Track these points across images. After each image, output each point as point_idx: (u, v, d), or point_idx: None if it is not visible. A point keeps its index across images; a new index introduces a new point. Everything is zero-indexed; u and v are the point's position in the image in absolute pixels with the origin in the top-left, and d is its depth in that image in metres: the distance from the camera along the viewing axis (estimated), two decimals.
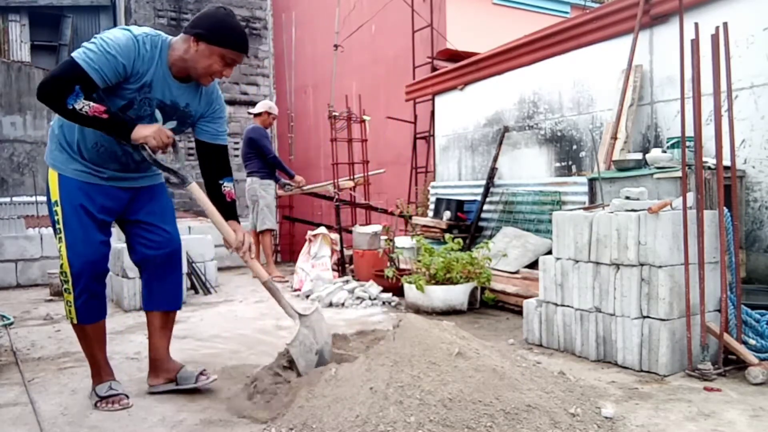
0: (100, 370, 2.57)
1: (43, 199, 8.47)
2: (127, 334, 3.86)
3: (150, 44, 2.31)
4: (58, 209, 2.41)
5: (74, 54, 2.21)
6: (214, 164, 2.59)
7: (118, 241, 5.14)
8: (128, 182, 2.55)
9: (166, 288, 2.65)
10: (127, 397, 2.51)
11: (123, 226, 2.64)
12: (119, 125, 2.27)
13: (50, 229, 6.47)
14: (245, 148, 6.33)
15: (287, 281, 6.10)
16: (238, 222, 2.61)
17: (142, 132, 2.29)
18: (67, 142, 2.43)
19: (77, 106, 2.18)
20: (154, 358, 2.68)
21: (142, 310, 4.60)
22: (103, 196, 2.48)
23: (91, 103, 2.20)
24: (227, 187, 2.60)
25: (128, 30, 2.29)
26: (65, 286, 2.42)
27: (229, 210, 2.58)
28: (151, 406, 2.51)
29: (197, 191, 2.48)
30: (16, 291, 5.86)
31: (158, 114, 2.42)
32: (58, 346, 3.58)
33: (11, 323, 4.21)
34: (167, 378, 2.65)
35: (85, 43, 2.24)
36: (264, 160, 6.25)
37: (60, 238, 2.40)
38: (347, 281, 5.19)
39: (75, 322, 2.47)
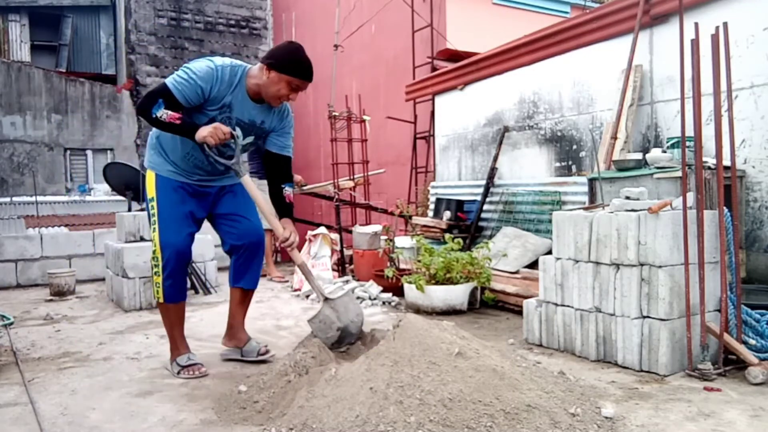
0: (179, 345, 3.00)
1: (42, 198, 8.49)
2: (127, 334, 3.86)
3: (229, 73, 2.71)
4: (154, 204, 2.86)
5: (167, 79, 2.69)
6: (277, 171, 2.96)
7: (117, 241, 5.15)
8: (213, 182, 3.00)
9: (247, 271, 3.10)
10: (203, 366, 2.91)
11: (213, 220, 3.11)
12: (187, 128, 2.67)
13: (50, 230, 6.53)
14: None
15: (287, 281, 6.10)
16: (293, 220, 2.96)
17: (202, 133, 2.65)
18: (163, 149, 2.89)
19: (158, 114, 2.63)
20: (230, 324, 3.20)
21: (142, 310, 4.64)
22: (193, 193, 2.93)
23: (169, 112, 2.64)
24: (287, 190, 2.97)
25: (211, 60, 2.72)
26: (155, 270, 2.85)
27: (285, 209, 2.95)
28: (151, 406, 2.51)
29: (249, 183, 2.83)
30: (16, 291, 5.85)
31: (239, 130, 2.79)
32: (58, 346, 3.58)
33: (11, 323, 4.21)
34: (236, 345, 3.17)
35: (176, 72, 2.71)
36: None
37: (154, 228, 2.84)
38: (347, 281, 5.19)
39: (161, 300, 2.91)
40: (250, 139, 2.85)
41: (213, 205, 3.04)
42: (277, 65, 2.67)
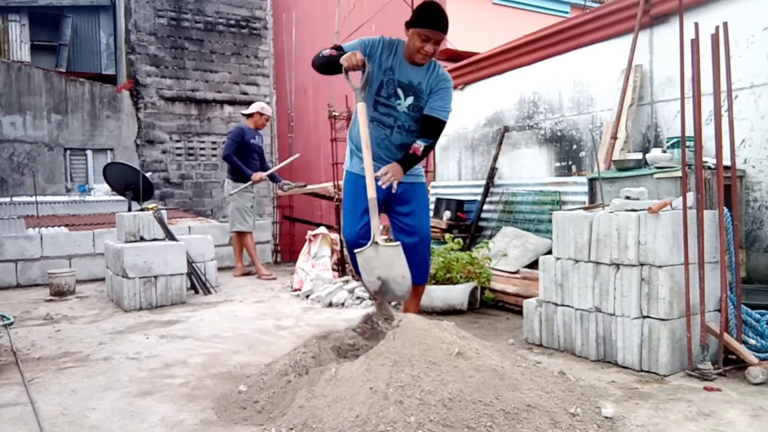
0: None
1: (42, 198, 8.48)
2: (127, 334, 3.86)
3: (389, 40, 3.14)
4: (342, 202, 3.43)
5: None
6: (421, 129, 3.18)
7: (117, 241, 5.14)
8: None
9: (417, 267, 3.20)
10: None
11: (389, 214, 3.38)
12: (338, 58, 2.97)
13: (50, 229, 6.53)
14: None
15: (275, 278, 6.15)
16: (401, 166, 3.06)
17: (341, 58, 2.96)
18: (354, 145, 3.26)
19: (324, 52, 3.06)
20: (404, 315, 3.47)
21: (142, 310, 4.64)
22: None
23: (330, 50, 3.06)
24: (417, 143, 3.14)
25: (383, 37, 3.17)
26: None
27: (405, 157, 3.14)
28: (151, 406, 2.51)
29: (361, 112, 3.01)
30: (16, 291, 5.85)
31: (400, 92, 3.13)
32: (58, 346, 3.58)
33: (11, 323, 4.20)
34: None
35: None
36: (242, 161, 6.21)
37: (341, 215, 3.48)
38: (347, 281, 5.18)
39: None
40: (409, 99, 3.13)
41: (388, 202, 3.30)
42: (409, 22, 3.01)
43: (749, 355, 2.68)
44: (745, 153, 3.94)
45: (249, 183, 6.25)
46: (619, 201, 2.99)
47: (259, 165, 6.44)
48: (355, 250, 2.97)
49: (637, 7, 4.55)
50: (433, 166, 7.40)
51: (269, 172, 6.49)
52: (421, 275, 3.35)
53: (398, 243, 2.97)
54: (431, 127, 3.15)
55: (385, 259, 2.87)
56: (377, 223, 2.92)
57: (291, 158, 6.94)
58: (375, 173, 2.96)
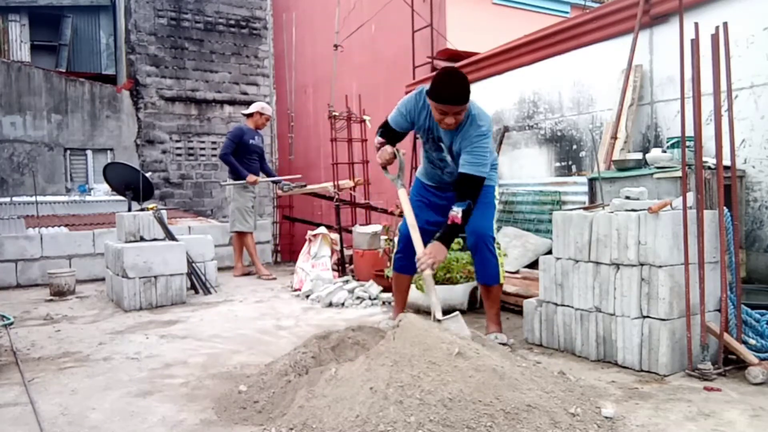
0: (395, 309, 3.74)
1: (42, 199, 8.48)
2: (127, 334, 3.86)
3: (424, 99, 3.11)
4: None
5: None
6: (456, 188, 3.12)
7: (117, 241, 5.14)
8: (441, 191, 3.46)
9: (479, 267, 3.39)
10: None
11: None
12: (378, 152, 3.32)
13: (50, 229, 6.52)
14: None
15: (275, 278, 6.15)
16: (442, 243, 3.02)
17: (377, 156, 3.31)
18: (423, 162, 3.54)
19: (375, 141, 3.35)
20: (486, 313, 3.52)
21: (142, 310, 4.64)
22: (432, 194, 3.49)
23: (379, 138, 3.34)
24: (454, 210, 3.03)
25: (420, 90, 3.16)
26: (394, 247, 3.71)
27: (443, 232, 3.06)
28: (151, 406, 2.51)
29: (402, 196, 3.24)
30: (16, 291, 5.85)
31: (442, 145, 3.22)
32: (58, 346, 3.58)
33: (11, 323, 4.20)
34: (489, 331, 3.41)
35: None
36: (241, 161, 6.22)
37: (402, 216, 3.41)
38: (347, 281, 5.18)
39: (392, 270, 3.67)
40: (449, 156, 3.24)
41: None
42: (428, 93, 2.98)
43: (749, 355, 2.68)
44: (745, 153, 3.94)
45: (242, 182, 6.26)
46: (619, 201, 2.99)
47: (258, 165, 6.45)
48: None
49: (637, 7, 4.55)
50: None
51: (268, 180, 6.59)
52: (487, 275, 3.37)
53: (456, 313, 2.91)
54: (465, 185, 3.03)
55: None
56: (435, 299, 2.88)
57: (294, 176, 7.09)
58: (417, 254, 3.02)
